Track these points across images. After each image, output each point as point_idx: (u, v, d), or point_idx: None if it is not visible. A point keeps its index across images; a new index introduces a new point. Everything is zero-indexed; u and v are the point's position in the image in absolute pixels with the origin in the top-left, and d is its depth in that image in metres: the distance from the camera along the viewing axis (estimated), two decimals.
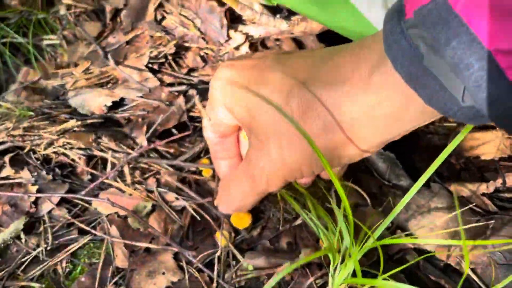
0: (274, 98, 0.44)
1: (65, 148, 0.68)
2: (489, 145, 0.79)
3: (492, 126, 0.82)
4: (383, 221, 0.53)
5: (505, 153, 0.77)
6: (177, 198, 0.69)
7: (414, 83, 0.34)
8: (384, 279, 0.49)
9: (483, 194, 0.70)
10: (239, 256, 0.61)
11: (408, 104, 0.39)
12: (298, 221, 0.65)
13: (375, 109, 0.40)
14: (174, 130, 0.77)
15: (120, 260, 0.65)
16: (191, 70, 0.84)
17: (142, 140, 0.70)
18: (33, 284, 0.62)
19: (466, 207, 0.67)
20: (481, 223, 0.66)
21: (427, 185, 0.74)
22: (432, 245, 0.66)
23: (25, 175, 0.72)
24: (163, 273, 0.62)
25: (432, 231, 0.67)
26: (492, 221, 0.65)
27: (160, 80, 0.81)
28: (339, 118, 0.42)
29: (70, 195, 0.65)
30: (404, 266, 0.51)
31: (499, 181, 0.72)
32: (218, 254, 0.61)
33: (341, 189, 0.43)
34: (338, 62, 0.43)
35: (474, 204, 0.69)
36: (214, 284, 0.59)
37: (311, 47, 0.85)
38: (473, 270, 0.64)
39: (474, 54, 0.29)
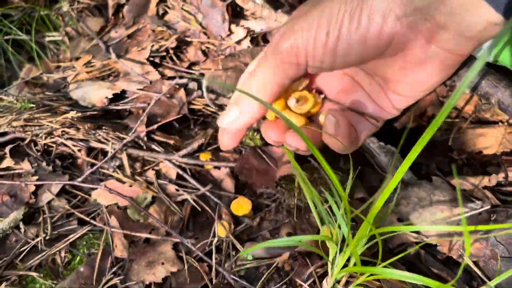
0: None
1: (65, 139, 0.68)
2: (491, 139, 0.79)
3: (494, 122, 0.82)
4: (373, 206, 0.52)
5: (508, 148, 0.76)
6: (177, 190, 0.69)
7: None
8: (384, 267, 0.49)
9: (485, 188, 0.69)
10: (238, 246, 0.61)
11: None
12: (297, 212, 0.65)
13: None
14: (175, 123, 0.77)
15: (120, 250, 0.64)
16: (192, 64, 0.84)
17: (141, 130, 0.70)
18: (31, 273, 0.61)
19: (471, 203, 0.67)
20: (483, 216, 0.66)
21: (429, 179, 0.73)
22: (434, 239, 0.66)
23: (25, 166, 0.71)
24: (162, 264, 0.62)
25: (433, 224, 0.67)
26: (495, 214, 0.65)
27: (161, 73, 0.81)
28: None
29: (68, 182, 0.65)
30: (404, 253, 0.50)
31: (501, 175, 0.71)
32: (216, 242, 0.61)
33: (333, 174, 0.42)
34: None
35: (476, 197, 0.69)
36: (213, 272, 0.58)
37: None
38: (475, 263, 0.63)
39: None
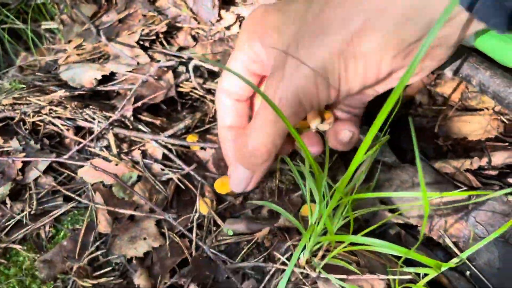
0: None
1: (53, 117, 0.69)
2: (476, 126, 0.79)
3: (480, 109, 0.82)
4: (345, 175, 0.52)
5: (492, 134, 0.77)
6: (162, 169, 0.70)
7: None
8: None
9: (467, 170, 0.70)
10: (220, 222, 0.62)
11: None
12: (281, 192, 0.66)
13: None
14: (162, 105, 0.78)
15: (103, 226, 0.65)
16: (182, 48, 0.85)
17: (128, 109, 0.71)
18: (15, 246, 0.62)
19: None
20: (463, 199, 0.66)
21: (412, 162, 0.74)
22: (414, 219, 0.66)
23: (14, 144, 0.72)
24: (145, 239, 0.63)
25: (414, 205, 0.67)
26: (475, 196, 0.65)
27: (151, 57, 0.82)
28: None
29: (54, 159, 0.66)
30: (376, 225, 0.51)
31: (484, 160, 0.72)
32: (196, 217, 0.61)
33: (303, 145, 0.43)
34: None
35: (458, 180, 0.69)
36: (193, 247, 0.59)
37: None
38: (455, 243, 0.64)
39: None
